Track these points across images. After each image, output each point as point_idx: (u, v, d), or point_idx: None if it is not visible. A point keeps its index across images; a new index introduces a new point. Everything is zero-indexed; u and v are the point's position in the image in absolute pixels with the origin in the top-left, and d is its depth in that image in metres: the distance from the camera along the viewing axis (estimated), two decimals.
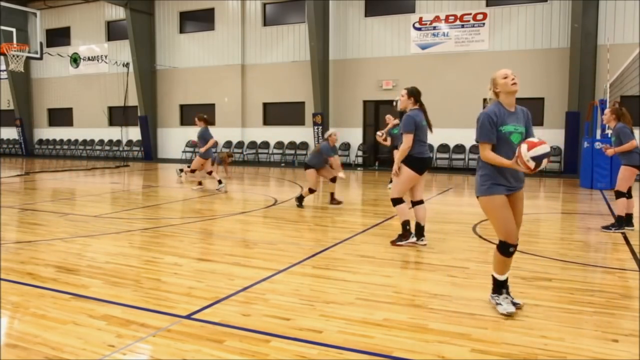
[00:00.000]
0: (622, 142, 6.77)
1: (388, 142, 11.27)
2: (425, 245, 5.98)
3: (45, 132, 26.97)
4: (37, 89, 26.75)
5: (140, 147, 23.78)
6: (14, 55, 16.08)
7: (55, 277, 4.66)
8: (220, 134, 21.93)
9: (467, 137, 17.31)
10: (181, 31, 22.84)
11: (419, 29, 18.20)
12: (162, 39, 23.12)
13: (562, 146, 16.37)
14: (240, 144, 21.55)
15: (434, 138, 17.77)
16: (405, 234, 5.97)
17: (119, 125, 23.71)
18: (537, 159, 3.44)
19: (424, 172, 5.98)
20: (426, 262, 5.31)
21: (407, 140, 5.80)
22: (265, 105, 21.25)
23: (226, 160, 14.59)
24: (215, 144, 11.38)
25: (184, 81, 22.63)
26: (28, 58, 17.18)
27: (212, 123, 11.52)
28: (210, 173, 11.69)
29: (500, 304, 3.73)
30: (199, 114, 11.98)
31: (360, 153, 19.28)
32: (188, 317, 3.66)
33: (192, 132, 22.42)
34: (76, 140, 25.87)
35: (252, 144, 21.33)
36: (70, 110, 25.97)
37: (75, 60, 22.16)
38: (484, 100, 17.45)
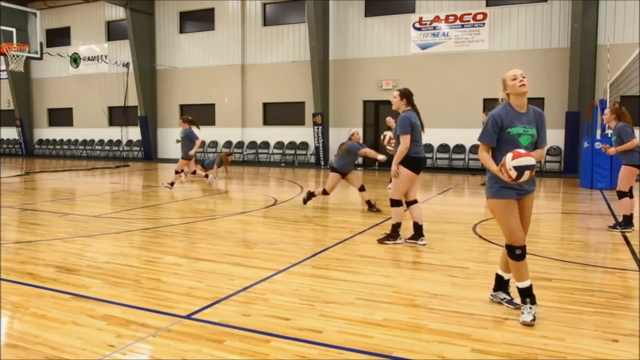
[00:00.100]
0: (623, 141, 6.77)
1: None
2: (424, 245, 6.00)
3: (45, 132, 26.97)
4: (37, 89, 26.76)
5: (140, 147, 23.78)
6: (14, 55, 16.08)
7: (55, 277, 4.66)
8: (220, 134, 22.00)
9: (467, 137, 17.32)
10: (181, 31, 22.84)
11: (419, 29, 18.20)
12: (162, 39, 23.12)
13: (562, 146, 16.37)
14: (240, 144, 21.55)
15: (434, 138, 17.78)
16: (394, 235, 6.08)
17: (119, 125, 23.70)
18: (519, 170, 3.45)
19: (420, 171, 6.10)
20: (426, 262, 5.31)
21: (404, 141, 5.86)
22: (265, 105, 21.25)
23: (227, 161, 14.60)
24: (202, 144, 11.41)
25: (184, 81, 22.63)
26: (28, 58, 17.18)
27: (197, 124, 11.56)
28: (194, 173, 11.69)
29: (522, 312, 3.61)
30: (183, 115, 12.00)
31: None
32: (188, 317, 3.66)
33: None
34: (76, 140, 25.87)
35: (252, 144, 21.33)
36: (70, 110, 25.97)
37: (75, 60, 22.16)
38: (484, 100, 17.39)
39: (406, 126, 5.85)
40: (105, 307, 3.85)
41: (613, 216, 8.07)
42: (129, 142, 24.27)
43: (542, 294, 4.17)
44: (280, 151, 20.77)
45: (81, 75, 24.88)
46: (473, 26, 17.43)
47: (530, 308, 3.57)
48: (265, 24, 20.97)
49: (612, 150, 7.04)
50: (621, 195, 6.88)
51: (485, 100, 17.25)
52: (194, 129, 11.69)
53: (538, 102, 16.22)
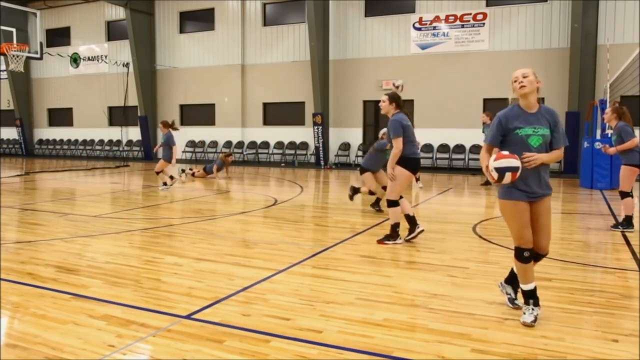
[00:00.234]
0: (623, 140, 6.77)
1: None
2: (422, 231, 6.18)
3: (45, 132, 26.97)
4: (37, 89, 26.76)
5: (140, 147, 23.78)
6: (14, 55, 16.09)
7: (55, 277, 4.66)
8: (220, 134, 22.01)
9: (467, 137, 17.32)
10: (181, 31, 22.84)
11: (419, 29, 18.20)
12: (162, 39, 23.12)
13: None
14: (240, 144, 21.56)
15: (434, 138, 17.79)
16: (393, 235, 6.10)
17: (119, 125, 23.71)
18: (499, 171, 3.45)
19: (417, 171, 6.26)
20: (426, 262, 5.31)
21: (397, 144, 5.94)
22: (265, 105, 21.25)
23: (227, 162, 14.60)
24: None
25: (184, 81, 22.63)
26: (28, 58, 17.18)
27: (175, 127, 11.60)
28: (158, 173, 11.67)
29: (523, 312, 3.61)
30: (163, 120, 12.03)
31: (360, 153, 19.27)
32: (188, 317, 3.65)
33: (192, 132, 22.55)
34: (76, 140, 25.87)
35: (252, 144, 21.33)
36: (70, 110, 25.97)
37: (75, 60, 22.16)
38: (485, 100, 17.37)
39: (397, 129, 5.92)
40: (105, 307, 3.85)
41: (613, 216, 8.07)
42: (129, 142, 24.27)
43: (542, 294, 4.16)
44: (280, 151, 20.77)
45: (81, 75, 24.88)
46: (473, 26, 17.43)
47: (533, 309, 3.56)
48: (265, 24, 20.98)
49: (611, 150, 7.05)
50: (624, 195, 6.89)
51: (485, 100, 17.26)
52: (173, 132, 11.73)
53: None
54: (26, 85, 26.68)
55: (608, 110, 7.23)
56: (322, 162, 19.19)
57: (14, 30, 16.18)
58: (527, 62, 16.19)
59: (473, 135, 16.94)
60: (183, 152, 22.40)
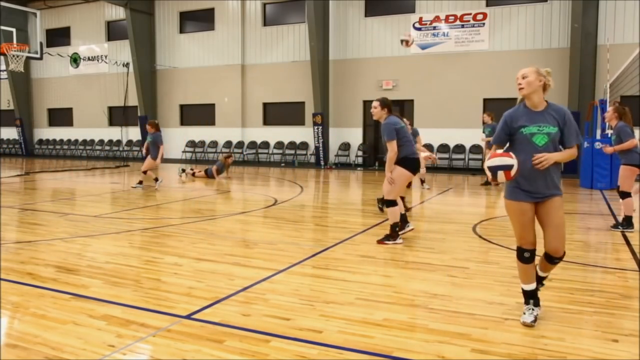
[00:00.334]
0: (622, 140, 6.78)
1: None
2: (412, 229, 6.37)
3: (45, 132, 26.97)
4: (37, 89, 26.76)
5: (140, 147, 23.77)
6: (14, 55, 16.08)
7: (55, 277, 4.66)
8: (220, 134, 22.01)
9: (467, 137, 17.32)
10: (181, 31, 22.84)
11: (419, 29, 18.20)
12: (162, 39, 23.12)
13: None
14: (240, 144, 21.56)
15: (434, 138, 17.78)
16: (393, 235, 6.11)
17: (119, 125, 23.71)
18: (491, 170, 3.47)
19: (417, 171, 6.28)
20: (426, 262, 5.31)
21: (392, 147, 5.97)
22: (265, 105, 21.25)
23: (227, 163, 14.58)
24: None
25: (184, 81, 22.63)
26: (28, 58, 17.18)
27: (158, 129, 11.64)
28: (145, 172, 11.66)
29: (523, 312, 3.61)
30: (152, 120, 12.02)
31: (360, 153, 19.28)
32: (188, 317, 3.66)
33: (192, 132, 22.55)
34: (76, 140, 25.87)
35: (252, 144, 21.33)
36: (70, 110, 25.97)
37: (75, 60, 22.16)
38: (485, 100, 17.36)
39: (391, 132, 5.96)
40: (105, 307, 3.85)
41: (613, 216, 8.07)
42: (129, 142, 24.27)
43: (542, 294, 4.16)
44: (280, 151, 20.77)
45: (81, 75, 24.88)
46: (473, 26, 17.43)
47: (533, 309, 3.56)
48: (265, 24, 20.98)
49: (609, 149, 7.07)
50: (624, 195, 6.89)
51: (485, 100, 17.26)
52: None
53: None
54: (26, 85, 26.68)
55: (610, 109, 7.23)
56: (322, 162, 19.19)
57: (14, 30, 16.18)
58: (527, 62, 16.06)
59: (473, 135, 16.94)
60: (183, 152, 22.42)
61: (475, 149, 17.34)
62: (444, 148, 17.93)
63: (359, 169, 18.46)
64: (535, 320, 3.49)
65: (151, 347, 3.17)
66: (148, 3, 22.77)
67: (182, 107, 23.09)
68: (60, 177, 15.19)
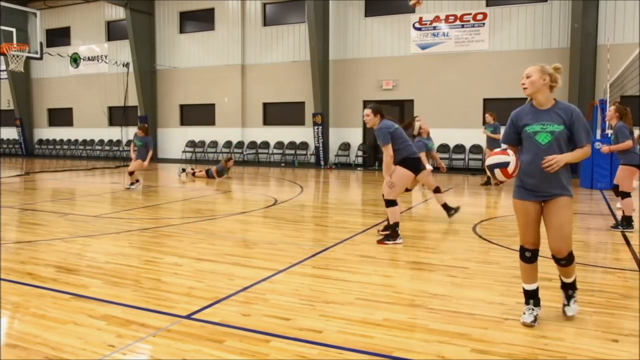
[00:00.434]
0: (619, 140, 6.81)
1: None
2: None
3: (45, 132, 26.97)
4: (37, 89, 26.75)
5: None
6: (14, 55, 16.09)
7: (55, 277, 4.66)
8: (220, 134, 22.01)
9: (467, 137, 17.32)
10: (181, 31, 22.84)
11: (419, 29, 18.20)
12: (162, 39, 23.12)
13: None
14: (240, 144, 21.56)
15: (434, 138, 17.62)
16: (394, 235, 6.10)
17: (119, 125, 23.71)
18: (489, 169, 3.51)
19: (419, 172, 6.29)
20: (426, 262, 5.30)
21: (387, 151, 6.00)
22: (265, 105, 21.25)
23: (228, 166, 14.56)
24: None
25: (184, 81, 22.63)
26: (28, 58, 17.19)
27: (148, 134, 11.75)
28: (132, 173, 11.67)
29: (523, 312, 3.61)
30: (141, 124, 12.03)
31: (360, 153, 19.28)
32: (188, 317, 3.65)
33: (192, 132, 22.55)
34: (76, 140, 25.87)
35: (252, 144, 21.33)
36: (70, 110, 25.97)
37: (75, 60, 22.16)
38: (485, 100, 17.32)
39: (385, 137, 5.98)
40: (105, 307, 3.85)
41: (613, 216, 8.07)
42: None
43: (542, 294, 4.15)
44: (280, 151, 20.77)
45: (81, 75, 24.88)
46: (473, 26, 17.43)
47: (532, 309, 3.56)
48: (265, 24, 20.97)
49: (605, 149, 7.10)
50: (624, 195, 6.89)
51: (485, 100, 17.26)
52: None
53: None
54: (26, 85, 26.67)
55: (612, 108, 7.24)
56: (322, 162, 19.19)
57: (14, 30, 16.19)
58: (527, 62, 16.03)
59: (473, 135, 16.94)
60: (183, 152, 22.42)
61: (475, 149, 17.34)
62: (444, 148, 17.93)
63: (359, 169, 18.46)
64: (535, 321, 3.49)
65: (151, 347, 3.17)
66: (148, 3, 22.77)
67: (182, 107, 23.08)
68: (60, 177, 15.19)
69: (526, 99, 3.62)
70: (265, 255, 5.52)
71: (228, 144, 21.70)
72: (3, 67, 21.38)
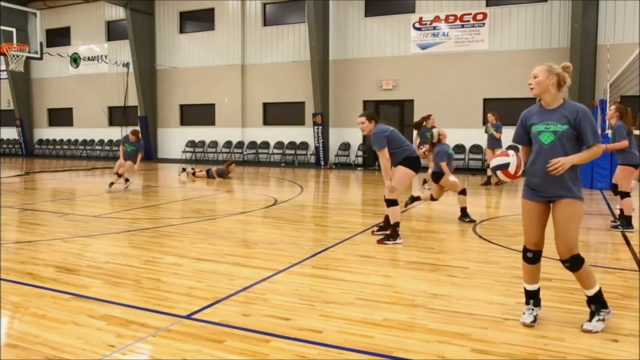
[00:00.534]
0: (616, 140, 6.82)
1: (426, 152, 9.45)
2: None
3: (45, 132, 26.97)
4: (37, 89, 26.76)
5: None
6: (14, 55, 16.09)
7: (55, 277, 4.66)
8: (220, 134, 22.01)
9: (467, 137, 17.32)
10: (181, 31, 22.84)
11: (419, 29, 18.20)
12: (162, 39, 23.12)
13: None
14: (240, 144, 21.56)
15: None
16: (394, 235, 6.11)
17: (119, 125, 23.71)
18: (492, 170, 3.59)
19: (419, 169, 6.30)
20: (426, 262, 5.30)
21: (383, 155, 6.04)
22: (265, 105, 21.25)
23: (229, 170, 14.55)
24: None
25: (184, 81, 22.63)
26: (28, 58, 17.19)
27: (140, 138, 12.02)
28: (120, 175, 11.66)
29: (523, 312, 3.61)
30: (135, 130, 12.04)
31: (360, 153, 19.28)
32: (188, 317, 3.66)
33: (192, 132, 22.55)
34: (76, 140, 25.87)
35: (252, 144, 21.33)
36: (70, 110, 25.97)
37: (75, 60, 22.17)
38: (485, 100, 17.28)
39: (381, 141, 6.02)
40: (105, 307, 3.85)
41: (613, 216, 8.07)
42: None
43: (542, 294, 4.16)
44: (280, 151, 20.77)
45: (81, 75, 24.88)
46: (473, 26, 17.43)
47: (532, 310, 3.56)
48: (265, 24, 20.97)
49: (601, 148, 7.08)
50: (623, 195, 6.90)
51: (485, 100, 17.26)
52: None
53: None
54: (26, 85, 26.67)
55: (613, 107, 7.23)
56: (322, 162, 19.19)
57: (14, 30, 16.19)
58: (527, 62, 16.21)
59: (473, 135, 16.95)
60: (183, 152, 22.42)
61: (475, 149, 17.34)
62: None
63: (359, 169, 18.46)
64: (534, 321, 3.49)
65: (151, 347, 3.17)
66: (148, 3, 22.77)
67: (182, 107, 23.08)
68: (60, 177, 15.19)
69: (534, 98, 3.62)
70: (265, 255, 5.52)
71: (228, 144, 21.70)
72: (3, 67, 21.38)
